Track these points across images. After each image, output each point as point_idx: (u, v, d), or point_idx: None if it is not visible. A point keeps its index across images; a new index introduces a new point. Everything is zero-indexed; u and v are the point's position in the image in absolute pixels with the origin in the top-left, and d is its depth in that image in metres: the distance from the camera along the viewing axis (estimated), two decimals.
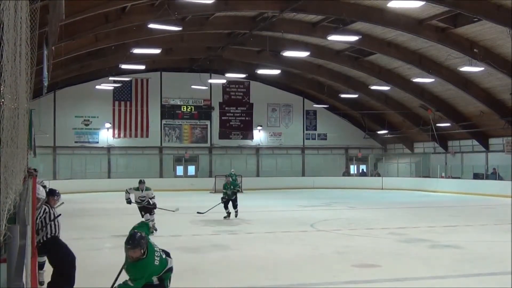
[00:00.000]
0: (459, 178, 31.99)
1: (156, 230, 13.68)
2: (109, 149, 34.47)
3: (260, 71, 28.65)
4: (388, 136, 36.57)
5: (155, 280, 5.27)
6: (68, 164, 33.45)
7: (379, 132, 36.74)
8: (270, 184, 34.10)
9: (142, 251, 5.15)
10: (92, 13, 16.54)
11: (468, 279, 8.81)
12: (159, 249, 5.46)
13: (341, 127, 38.38)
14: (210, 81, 34.18)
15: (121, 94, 34.41)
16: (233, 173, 32.21)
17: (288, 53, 23.92)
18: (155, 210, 14.35)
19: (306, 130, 38.22)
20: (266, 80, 35.08)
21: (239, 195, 29.82)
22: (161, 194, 29.36)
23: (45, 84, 13.26)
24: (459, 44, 21.98)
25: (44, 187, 14.29)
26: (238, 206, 17.70)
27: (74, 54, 21.75)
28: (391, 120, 35.79)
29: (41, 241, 7.48)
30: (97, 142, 34.29)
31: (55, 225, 7.54)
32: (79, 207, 20.16)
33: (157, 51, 23.60)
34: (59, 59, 19.33)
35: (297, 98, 37.53)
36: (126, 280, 5.27)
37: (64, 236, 7.83)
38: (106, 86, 31.87)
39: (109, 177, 34.15)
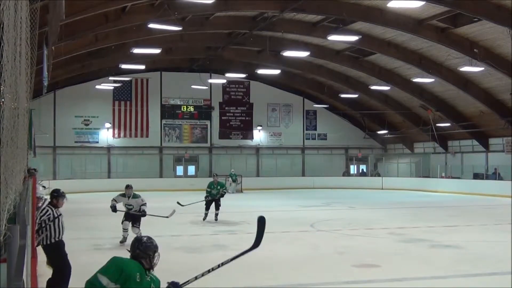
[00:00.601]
0: (459, 178, 31.99)
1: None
2: (109, 149, 34.46)
3: (260, 71, 28.65)
4: (388, 136, 36.56)
5: None
6: (68, 164, 33.45)
7: (379, 132, 36.73)
8: (270, 184, 34.09)
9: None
10: (92, 13, 16.53)
11: (468, 279, 8.81)
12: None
13: (341, 127, 38.38)
14: (210, 81, 34.17)
15: (121, 94, 34.41)
16: (233, 173, 32.27)
17: (288, 53, 23.91)
18: (141, 218, 12.39)
19: (306, 130, 38.21)
20: (266, 80, 35.07)
21: (239, 195, 29.81)
22: (161, 194, 29.42)
23: (45, 84, 13.25)
24: (459, 44, 21.98)
25: (44, 187, 14.26)
26: (220, 209, 16.73)
27: (74, 54, 21.72)
28: (391, 120, 35.78)
29: (44, 243, 7.45)
30: (97, 142, 34.28)
31: (58, 227, 7.44)
32: (79, 207, 20.14)
33: (157, 51, 23.59)
34: (59, 59, 19.34)
35: (297, 98, 37.52)
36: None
37: (64, 236, 7.82)
38: (106, 86, 31.87)
39: (109, 177, 34.14)
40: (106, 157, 34.57)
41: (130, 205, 12.38)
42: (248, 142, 37.09)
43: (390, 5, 16.88)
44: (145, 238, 4.62)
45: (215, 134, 36.40)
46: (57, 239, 7.45)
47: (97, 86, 31.70)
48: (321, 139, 38.38)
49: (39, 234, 7.40)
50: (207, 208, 16.63)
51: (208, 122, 36.29)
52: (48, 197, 11.61)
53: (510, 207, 19.06)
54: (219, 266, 4.88)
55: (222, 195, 16.86)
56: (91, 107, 33.78)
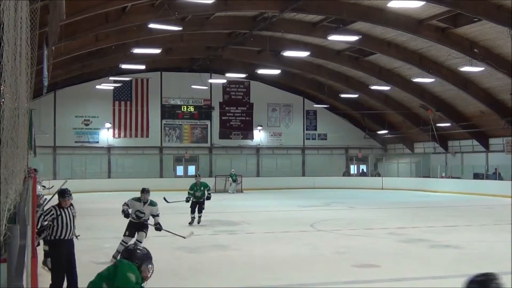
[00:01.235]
0: (459, 178, 31.99)
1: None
2: (109, 149, 34.47)
3: (260, 71, 28.66)
4: (388, 136, 36.56)
5: None
6: (68, 164, 33.45)
7: (379, 132, 36.73)
8: (270, 184, 34.09)
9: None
10: (92, 13, 16.54)
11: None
12: None
13: (341, 127, 38.38)
14: (210, 81, 34.18)
15: (121, 94, 34.42)
16: (233, 173, 32.28)
17: (288, 53, 23.92)
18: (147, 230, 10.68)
19: (306, 130, 38.21)
20: (266, 80, 35.08)
21: (239, 195, 29.81)
22: (161, 194, 29.41)
23: (45, 84, 13.25)
24: (459, 44, 21.98)
25: (44, 187, 14.25)
26: (203, 212, 15.89)
27: (74, 54, 21.73)
28: (391, 120, 35.78)
29: (45, 239, 7.44)
30: (97, 142, 34.29)
31: (60, 225, 7.42)
32: (79, 207, 20.06)
33: (157, 51, 23.60)
34: (59, 59, 19.35)
35: (297, 98, 37.52)
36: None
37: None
38: (106, 86, 31.88)
39: (109, 177, 34.15)
40: (106, 157, 34.58)
41: (143, 212, 10.50)
42: (248, 142, 37.09)
43: (390, 5, 16.88)
44: (142, 247, 4.50)
45: (215, 134, 36.40)
46: (55, 238, 7.42)
47: (97, 86, 31.71)
48: (321, 139, 38.38)
49: (43, 233, 7.40)
50: (193, 211, 15.77)
51: (208, 122, 36.29)
52: (48, 197, 11.63)
53: (510, 207, 19.06)
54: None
55: (209, 198, 15.91)
56: (91, 107, 33.78)
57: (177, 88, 34.89)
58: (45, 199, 12.63)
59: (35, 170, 14.63)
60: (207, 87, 34.71)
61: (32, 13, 5.75)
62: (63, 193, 7.61)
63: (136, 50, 23.01)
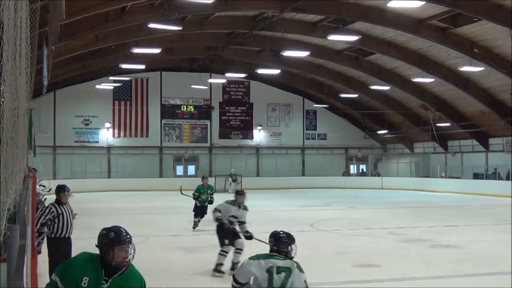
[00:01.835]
0: (459, 178, 31.99)
1: None
2: (109, 148, 34.46)
3: (260, 71, 28.65)
4: (388, 136, 36.57)
5: None
6: (68, 163, 33.44)
7: (379, 132, 36.73)
8: (270, 184, 34.08)
9: None
10: (92, 13, 16.53)
11: (468, 279, 8.81)
12: None
13: (341, 127, 38.38)
14: (210, 80, 34.17)
15: (121, 94, 34.41)
16: (233, 173, 32.27)
17: (288, 53, 23.92)
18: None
19: (306, 130, 38.21)
20: (266, 80, 35.07)
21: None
22: (161, 194, 29.42)
23: (45, 83, 13.23)
24: (459, 44, 21.98)
25: (44, 186, 14.29)
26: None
27: (74, 53, 21.73)
28: (391, 120, 35.78)
29: (47, 236, 7.43)
30: (97, 142, 34.28)
31: (61, 224, 7.41)
32: (79, 207, 20.08)
33: (157, 50, 23.60)
34: (59, 59, 19.31)
35: (297, 98, 37.52)
36: None
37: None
38: (106, 85, 31.87)
39: (109, 177, 34.15)
40: (106, 157, 34.57)
41: (236, 217, 9.29)
42: (248, 142, 37.09)
43: (390, 5, 16.88)
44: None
45: (215, 134, 36.40)
46: (56, 236, 7.41)
47: (97, 86, 31.70)
48: (321, 139, 38.38)
49: (43, 232, 7.39)
50: (197, 215, 14.81)
51: (208, 122, 36.29)
52: (48, 196, 11.62)
53: (510, 207, 19.06)
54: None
55: (211, 202, 14.64)
56: (91, 107, 33.78)
57: (177, 88, 34.89)
58: (45, 198, 12.64)
59: (34, 169, 14.63)
60: (207, 87, 34.71)
61: (32, 12, 5.75)
62: (63, 188, 7.63)
63: (136, 50, 23.00)
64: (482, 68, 22.74)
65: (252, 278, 4.37)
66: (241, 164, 35.83)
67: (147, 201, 24.81)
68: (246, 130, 37.04)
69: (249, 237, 9.06)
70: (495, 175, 29.14)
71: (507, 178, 28.15)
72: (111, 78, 31.38)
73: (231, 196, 25.39)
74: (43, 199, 11.92)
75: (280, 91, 36.91)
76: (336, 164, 38.43)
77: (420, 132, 33.57)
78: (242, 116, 36.96)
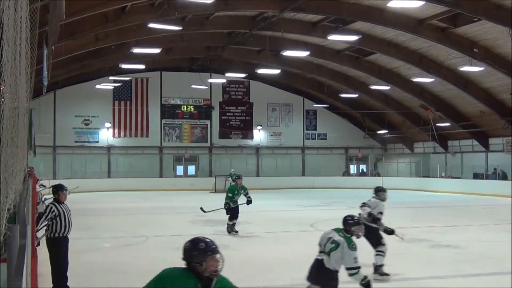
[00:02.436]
0: (459, 178, 31.99)
1: None
2: (109, 148, 34.46)
3: (260, 71, 28.64)
4: (388, 136, 36.57)
5: None
6: (68, 163, 33.45)
7: (379, 132, 36.74)
8: (270, 184, 34.07)
9: None
10: (92, 13, 16.53)
11: (468, 279, 8.81)
12: None
13: (341, 127, 38.38)
14: (210, 80, 34.17)
15: (121, 94, 34.41)
16: (233, 173, 32.25)
17: (288, 53, 23.92)
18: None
19: (306, 130, 38.22)
20: (266, 79, 35.07)
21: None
22: (161, 194, 29.45)
23: (45, 83, 13.25)
24: (459, 44, 21.98)
25: (44, 186, 14.29)
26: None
27: (74, 53, 21.74)
28: (391, 120, 35.79)
29: (47, 236, 7.44)
30: (97, 142, 34.28)
31: (62, 223, 7.41)
32: (79, 207, 20.14)
33: (157, 50, 23.59)
34: (59, 59, 19.32)
35: (297, 98, 37.53)
36: None
37: None
38: (106, 85, 31.86)
39: (109, 176, 34.15)
40: (106, 157, 34.57)
41: (382, 214, 9.25)
42: (248, 142, 37.09)
43: (390, 5, 16.87)
44: None
45: (215, 133, 36.40)
46: (59, 235, 7.41)
47: (97, 86, 31.69)
48: (321, 139, 38.38)
49: (45, 231, 7.40)
50: (233, 217, 13.77)
51: (208, 122, 36.29)
52: (48, 196, 11.61)
53: (510, 207, 19.06)
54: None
55: (250, 202, 13.97)
56: (91, 107, 33.78)
57: (177, 87, 34.89)
58: (45, 198, 12.64)
59: (31, 168, 14.63)
60: (207, 87, 34.71)
61: (32, 12, 5.75)
62: (61, 187, 7.63)
63: (136, 50, 23.00)
64: (482, 68, 22.74)
65: (319, 241, 6.19)
66: (241, 164, 35.82)
67: (147, 201, 24.81)
68: (246, 130, 37.04)
69: (390, 231, 9.09)
70: (495, 175, 29.14)
71: (504, 178, 28.21)
72: (111, 78, 31.37)
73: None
74: (43, 199, 11.92)
75: (280, 91, 36.91)
76: (336, 164, 38.43)
77: (420, 132, 33.57)
78: (242, 116, 36.97)
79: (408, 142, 37.24)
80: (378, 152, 39.81)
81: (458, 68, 23.65)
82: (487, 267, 9.70)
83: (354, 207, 23.00)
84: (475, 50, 21.80)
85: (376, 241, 8.82)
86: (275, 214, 19.40)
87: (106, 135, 34.32)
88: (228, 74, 30.72)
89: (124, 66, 27.63)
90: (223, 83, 35.29)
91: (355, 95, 32.65)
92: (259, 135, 37.20)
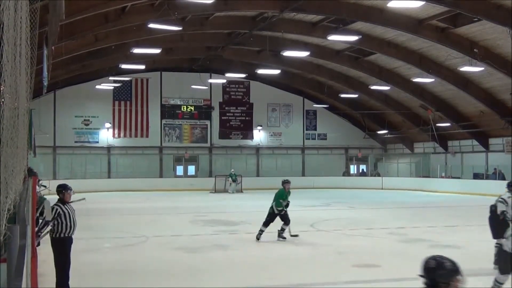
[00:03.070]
0: (459, 178, 31.99)
1: None
2: (109, 149, 34.46)
3: (260, 71, 28.64)
4: (388, 136, 36.56)
5: None
6: (68, 164, 33.45)
7: (379, 132, 36.73)
8: (270, 184, 33.95)
9: None
10: (92, 13, 16.53)
11: (468, 279, 8.80)
12: None
13: (341, 127, 38.38)
14: (210, 81, 34.17)
15: (121, 94, 34.42)
16: (233, 173, 32.26)
17: (288, 53, 23.92)
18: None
19: (306, 130, 38.21)
20: (266, 80, 35.07)
21: (239, 195, 29.51)
22: (161, 194, 29.45)
23: (45, 84, 13.25)
24: (459, 44, 21.98)
25: (44, 186, 14.26)
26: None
27: (74, 53, 21.73)
28: (391, 120, 35.79)
29: (51, 236, 7.42)
30: (97, 142, 34.28)
31: (67, 223, 7.40)
32: (79, 207, 20.10)
33: (157, 51, 23.59)
34: (59, 59, 19.33)
35: (297, 98, 37.53)
36: None
37: None
38: (106, 86, 31.87)
39: (109, 177, 34.15)
40: (106, 157, 34.57)
41: None
42: (248, 142, 37.09)
43: (390, 5, 16.88)
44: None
45: (215, 134, 36.40)
46: (64, 235, 7.40)
47: (97, 86, 31.71)
48: (321, 139, 38.39)
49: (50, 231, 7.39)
50: (268, 224, 12.99)
51: (208, 122, 36.29)
52: (47, 197, 11.61)
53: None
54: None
55: (287, 205, 13.55)
56: (91, 107, 33.78)
57: (177, 88, 34.90)
58: (45, 198, 12.62)
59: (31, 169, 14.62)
60: (207, 87, 34.71)
61: (32, 13, 5.75)
62: (66, 187, 7.61)
63: (136, 50, 23.00)
64: (482, 68, 22.74)
65: None
66: (241, 164, 35.84)
67: (147, 201, 24.82)
68: (246, 130, 37.04)
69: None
70: (495, 175, 29.13)
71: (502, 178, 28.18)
72: (111, 78, 31.38)
73: (231, 196, 25.12)
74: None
75: (280, 91, 36.91)
76: (336, 164, 38.43)
77: (420, 132, 33.57)
78: (242, 116, 36.97)
79: (408, 142, 37.25)
80: (378, 152, 39.81)
81: (458, 68, 23.65)
82: (487, 267, 9.70)
83: (354, 207, 23.10)
84: (475, 50, 21.79)
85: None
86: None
87: (106, 135, 34.33)
88: (228, 74, 30.73)
89: (124, 66, 27.63)
90: (223, 83, 35.30)
91: (355, 95, 32.64)
92: (259, 135, 37.20)
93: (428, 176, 34.55)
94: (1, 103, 3.27)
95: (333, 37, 21.59)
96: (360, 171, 39.70)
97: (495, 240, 9.01)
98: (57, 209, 7.36)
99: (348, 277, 8.94)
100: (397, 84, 28.99)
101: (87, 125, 34.08)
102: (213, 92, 36.01)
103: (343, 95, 32.80)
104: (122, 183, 31.97)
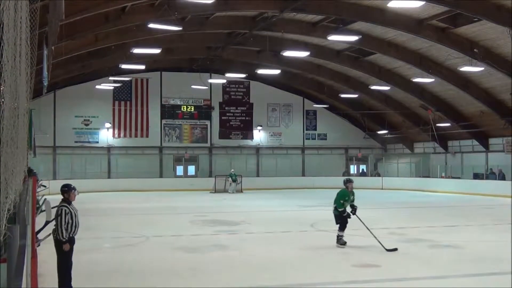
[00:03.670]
0: (459, 178, 31.99)
1: None
2: (109, 149, 34.46)
3: (260, 71, 28.63)
4: (388, 136, 36.57)
5: None
6: (68, 164, 33.45)
7: (379, 132, 36.73)
8: (270, 184, 34.09)
9: None
10: (92, 13, 16.54)
11: (468, 279, 8.81)
12: None
13: (341, 127, 38.39)
14: (210, 81, 34.17)
15: (121, 94, 34.41)
16: (233, 173, 32.26)
17: (288, 53, 23.89)
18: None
19: (306, 130, 38.22)
20: (266, 80, 35.07)
21: (239, 195, 29.56)
22: (161, 194, 29.44)
23: (45, 84, 13.26)
24: (459, 44, 21.98)
25: (44, 186, 14.27)
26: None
27: (74, 54, 21.73)
28: (391, 120, 35.79)
29: (55, 237, 7.42)
30: (97, 142, 34.28)
31: (71, 223, 7.40)
32: (79, 207, 20.09)
33: (157, 51, 23.59)
34: (59, 59, 19.33)
35: (297, 98, 37.53)
36: None
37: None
38: (106, 86, 31.87)
39: (109, 177, 34.15)
40: (106, 157, 34.57)
41: None
42: (248, 142, 37.09)
43: (390, 5, 16.86)
44: None
45: (215, 134, 36.40)
46: (69, 235, 7.39)
47: (97, 86, 31.70)
48: (321, 139, 38.39)
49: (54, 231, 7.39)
50: (342, 227, 11.84)
51: (208, 122, 36.29)
52: (47, 197, 11.60)
53: (510, 207, 19.06)
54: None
55: (355, 209, 12.37)
56: (91, 107, 33.78)
57: (177, 88, 34.90)
58: (45, 198, 12.62)
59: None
60: (207, 87, 34.70)
61: (32, 13, 5.75)
62: (70, 187, 7.60)
63: (136, 50, 22.99)
64: (482, 68, 22.74)
65: None
66: (241, 164, 35.83)
67: (147, 201, 24.82)
68: (246, 130, 37.05)
69: None
70: (495, 175, 29.13)
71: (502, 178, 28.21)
72: (111, 78, 31.38)
73: (231, 196, 25.22)
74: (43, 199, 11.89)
75: (280, 91, 36.91)
76: (336, 164, 38.42)
77: (420, 132, 33.57)
78: (242, 116, 36.97)
79: (408, 142, 37.25)
80: (378, 152, 39.81)
81: (458, 68, 23.65)
82: (487, 267, 9.70)
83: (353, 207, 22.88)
84: (475, 50, 21.79)
85: None
86: (275, 214, 19.40)
87: (106, 135, 34.33)
88: (228, 74, 30.72)
89: (124, 66, 27.63)
90: (223, 83, 35.30)
91: (355, 95, 32.64)
92: (259, 135, 37.20)
93: (428, 176, 34.54)
94: (1, 103, 3.27)
95: (333, 37, 21.59)
96: (360, 171, 39.70)
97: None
98: (65, 210, 7.33)
99: (348, 277, 8.94)
100: (397, 84, 28.99)
101: (87, 125, 34.08)
102: (213, 92, 36.01)
103: (343, 95, 32.79)
104: (122, 183, 31.96)
